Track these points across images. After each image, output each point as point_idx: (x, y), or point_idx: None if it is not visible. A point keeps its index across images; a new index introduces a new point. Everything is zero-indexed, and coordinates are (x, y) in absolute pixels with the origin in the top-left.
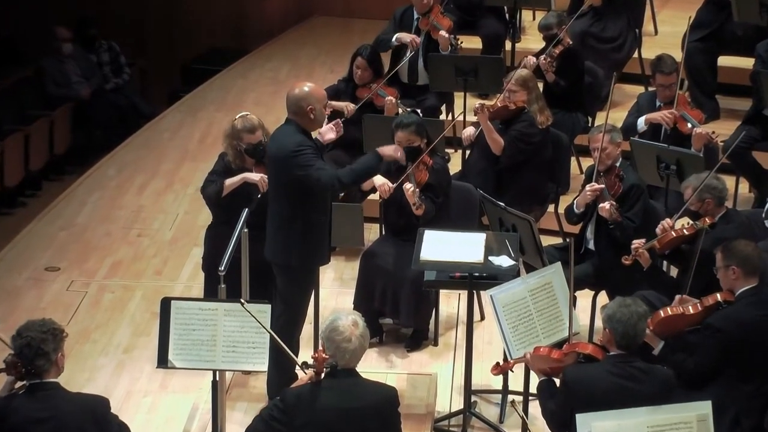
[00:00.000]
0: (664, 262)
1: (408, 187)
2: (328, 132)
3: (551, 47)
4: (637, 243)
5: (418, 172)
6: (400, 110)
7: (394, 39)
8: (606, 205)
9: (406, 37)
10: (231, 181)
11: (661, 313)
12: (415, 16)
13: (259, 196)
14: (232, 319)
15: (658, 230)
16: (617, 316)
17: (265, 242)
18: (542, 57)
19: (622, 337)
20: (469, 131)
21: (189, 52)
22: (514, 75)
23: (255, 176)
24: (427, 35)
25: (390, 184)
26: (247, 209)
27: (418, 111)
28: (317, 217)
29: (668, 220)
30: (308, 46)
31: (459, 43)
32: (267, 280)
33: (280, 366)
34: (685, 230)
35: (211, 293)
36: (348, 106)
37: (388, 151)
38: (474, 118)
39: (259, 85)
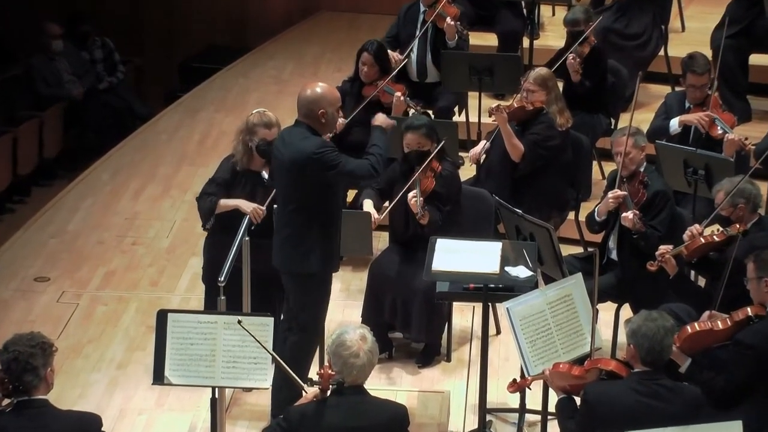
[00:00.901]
0: (691, 272)
1: (411, 195)
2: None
3: (577, 45)
4: (663, 249)
5: (425, 179)
6: (411, 110)
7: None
8: (629, 214)
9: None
10: (225, 203)
11: (689, 328)
12: (422, 9)
13: (252, 227)
14: (232, 332)
15: (685, 236)
16: (642, 330)
17: (266, 251)
18: (570, 56)
19: (647, 353)
20: (476, 150)
21: (187, 50)
22: (533, 74)
23: (248, 207)
24: (435, 27)
25: (262, 208)
26: (248, 216)
27: (429, 112)
28: (333, 220)
29: (697, 225)
30: (313, 43)
31: (465, 31)
32: (270, 291)
33: (288, 381)
34: (715, 237)
35: (211, 306)
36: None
37: (382, 121)
38: (489, 120)
39: (261, 84)
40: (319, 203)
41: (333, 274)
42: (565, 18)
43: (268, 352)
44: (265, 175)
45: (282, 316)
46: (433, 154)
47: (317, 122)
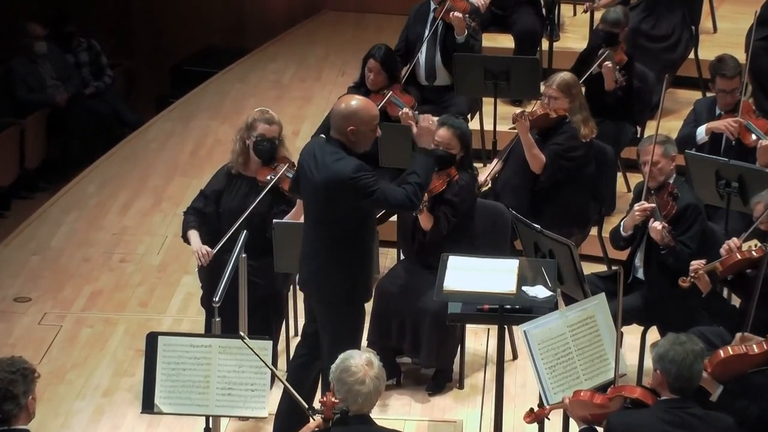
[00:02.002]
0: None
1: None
2: None
3: (611, 51)
4: (696, 264)
5: (437, 178)
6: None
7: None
8: (657, 226)
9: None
10: (190, 234)
11: (721, 353)
12: (432, 6)
13: (196, 270)
14: (228, 357)
15: (722, 250)
16: (670, 355)
17: (263, 273)
18: (609, 63)
19: (675, 379)
20: (484, 175)
21: (180, 52)
22: (557, 79)
23: (195, 247)
24: (445, 26)
25: (207, 249)
26: (246, 231)
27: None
28: (366, 247)
29: (735, 239)
30: (317, 44)
31: (473, 24)
32: (269, 313)
33: (294, 409)
34: (753, 252)
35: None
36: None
37: (426, 136)
38: (506, 128)
39: (260, 89)
40: (352, 229)
41: (364, 306)
42: (605, 17)
43: (276, 376)
44: (267, 178)
45: (301, 339)
46: (456, 163)
47: (347, 140)
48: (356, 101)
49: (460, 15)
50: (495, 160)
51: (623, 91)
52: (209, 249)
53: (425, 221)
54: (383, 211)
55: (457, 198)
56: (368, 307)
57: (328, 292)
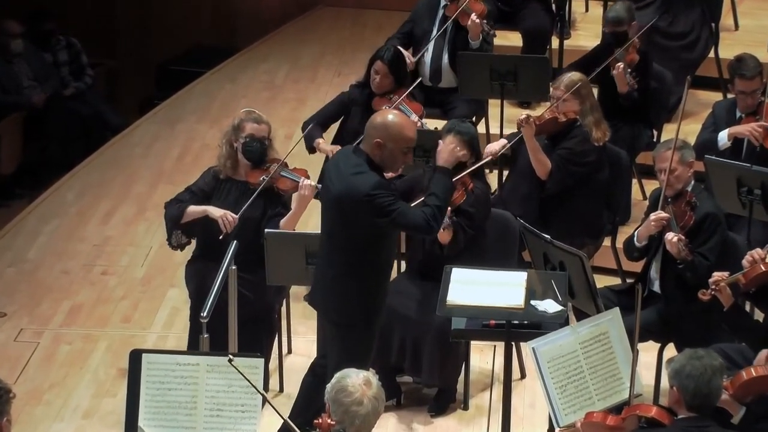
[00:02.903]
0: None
1: None
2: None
3: (623, 51)
4: (718, 275)
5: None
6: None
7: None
8: (673, 237)
9: None
10: (193, 210)
11: (744, 374)
12: (442, 3)
13: (221, 237)
14: (217, 376)
15: (745, 262)
16: (687, 370)
17: (254, 287)
18: (619, 65)
19: (693, 396)
20: (494, 147)
21: (166, 51)
22: (564, 79)
23: (217, 212)
24: (456, 25)
25: (233, 215)
26: (236, 241)
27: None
28: (383, 267)
29: (759, 250)
30: (312, 42)
31: (492, 32)
32: (260, 329)
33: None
34: None
35: (194, 343)
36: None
37: (447, 156)
38: (514, 131)
39: (251, 90)
40: (367, 246)
41: (376, 329)
42: (607, 16)
43: (266, 399)
44: (260, 179)
45: (318, 355)
46: (472, 168)
47: (373, 153)
48: (394, 115)
49: (478, 20)
50: (503, 140)
51: (639, 92)
52: (234, 215)
53: (445, 235)
54: None
55: (473, 209)
56: None
57: (336, 311)
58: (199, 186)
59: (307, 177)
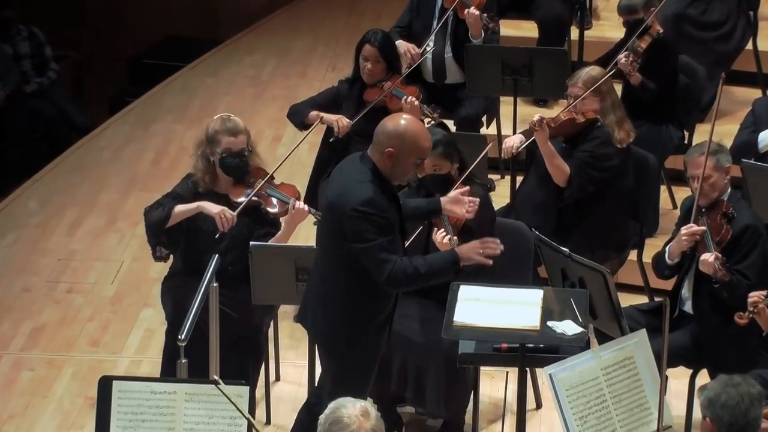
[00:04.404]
0: None
1: (441, 235)
2: None
3: (635, 39)
4: (756, 296)
5: None
6: (425, 120)
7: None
8: (709, 257)
9: (402, 46)
10: (182, 209)
11: None
12: None
13: (216, 236)
14: (196, 405)
15: None
16: (722, 399)
17: (238, 306)
18: (622, 55)
19: (728, 428)
20: (513, 142)
21: (140, 42)
22: (582, 75)
23: (214, 208)
24: (456, 18)
25: (232, 213)
26: (217, 256)
27: (446, 123)
28: (380, 290)
29: None
30: (302, 33)
31: (492, 24)
32: (246, 354)
33: None
34: None
35: (170, 369)
36: (341, 121)
37: (468, 258)
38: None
39: (235, 87)
40: (360, 264)
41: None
42: (619, 5)
43: (246, 417)
44: (242, 198)
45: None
46: (463, 176)
47: (381, 163)
48: (405, 121)
49: (477, 13)
50: (520, 135)
51: (658, 84)
52: (232, 213)
53: None
54: None
55: (473, 221)
56: None
57: (326, 333)
58: (179, 193)
59: (298, 196)
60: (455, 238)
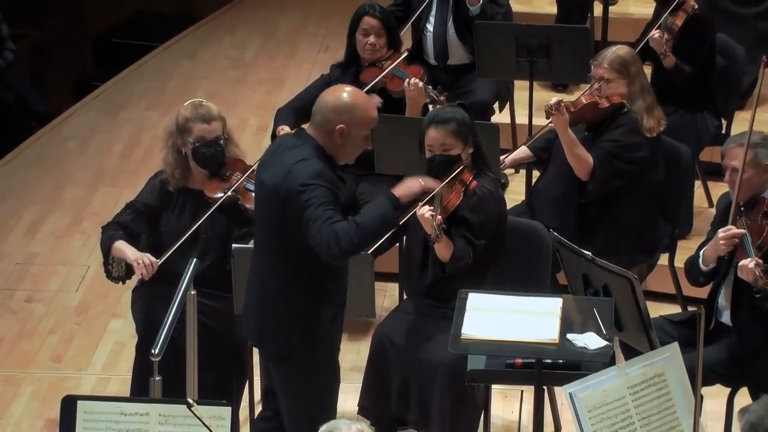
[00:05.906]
0: None
1: (426, 209)
2: None
3: (667, 15)
4: None
5: (448, 192)
6: (430, 105)
7: None
8: (748, 262)
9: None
10: (118, 248)
11: None
12: None
13: (137, 284)
14: (171, 428)
15: None
16: (766, 423)
17: (219, 315)
18: (655, 32)
19: None
20: (516, 156)
21: (107, 19)
22: (608, 55)
23: (133, 256)
24: None
25: (151, 258)
26: (195, 260)
27: (466, 105)
28: (329, 281)
29: None
30: (290, 10)
31: None
32: (228, 370)
33: None
34: None
35: (142, 387)
36: None
37: (405, 189)
38: (544, 121)
39: (214, 69)
40: (309, 257)
41: (334, 359)
42: None
43: None
44: (219, 194)
45: (262, 399)
46: (458, 168)
47: (330, 141)
48: (351, 94)
49: None
50: (523, 147)
51: (693, 67)
52: (153, 258)
53: (443, 250)
54: (384, 239)
55: (475, 215)
56: (361, 362)
57: (272, 342)
58: (144, 200)
59: None
60: (439, 217)
